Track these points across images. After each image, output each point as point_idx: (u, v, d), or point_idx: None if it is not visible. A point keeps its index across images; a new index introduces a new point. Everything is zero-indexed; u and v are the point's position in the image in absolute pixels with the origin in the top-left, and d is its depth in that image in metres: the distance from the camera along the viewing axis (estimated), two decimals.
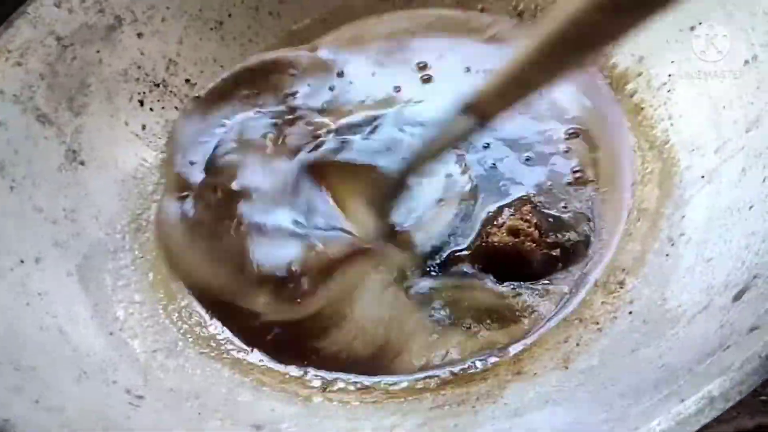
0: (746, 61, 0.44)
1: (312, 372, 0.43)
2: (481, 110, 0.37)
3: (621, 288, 0.43)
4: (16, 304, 0.41)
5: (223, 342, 0.46)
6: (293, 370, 0.44)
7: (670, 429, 0.25)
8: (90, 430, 0.33)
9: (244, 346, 0.46)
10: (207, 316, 0.47)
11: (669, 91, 0.50)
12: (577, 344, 0.40)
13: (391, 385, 0.42)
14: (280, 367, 0.44)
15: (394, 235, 0.47)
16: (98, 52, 0.55)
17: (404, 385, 0.42)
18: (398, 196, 0.47)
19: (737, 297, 0.33)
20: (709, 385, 0.25)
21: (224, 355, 0.45)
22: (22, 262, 0.44)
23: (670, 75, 0.51)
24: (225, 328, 0.47)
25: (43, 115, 0.51)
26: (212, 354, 0.45)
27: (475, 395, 0.39)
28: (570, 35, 0.30)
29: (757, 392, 0.87)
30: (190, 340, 0.46)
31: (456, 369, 0.41)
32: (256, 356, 0.45)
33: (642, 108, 0.52)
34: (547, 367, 0.40)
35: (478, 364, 0.41)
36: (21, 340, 0.38)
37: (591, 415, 0.31)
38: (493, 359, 0.41)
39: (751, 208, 0.38)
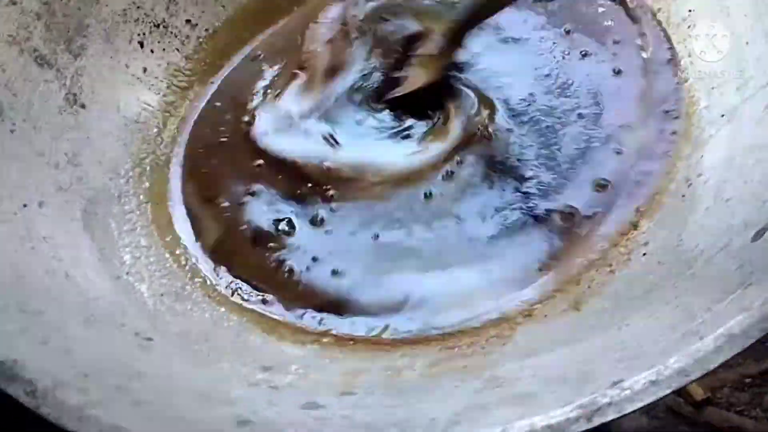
0: None
1: (319, 317, 0.43)
2: None
3: (635, 230, 0.42)
4: (21, 248, 0.41)
5: (230, 287, 0.46)
6: (301, 316, 0.43)
7: (688, 366, 0.24)
8: (99, 371, 0.33)
9: (252, 292, 0.45)
10: (213, 263, 0.47)
11: (689, 27, 0.49)
12: (589, 287, 0.40)
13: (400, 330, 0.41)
14: (288, 313, 0.44)
15: None
16: None
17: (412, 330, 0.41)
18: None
19: (757, 236, 0.32)
20: (729, 323, 0.25)
21: (232, 300, 0.45)
22: (25, 206, 0.43)
23: (690, 10, 0.49)
24: (231, 274, 0.46)
25: (42, 57, 0.50)
26: (219, 299, 0.45)
27: (484, 337, 0.39)
28: None
29: (763, 338, 0.87)
30: (198, 284, 0.46)
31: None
32: (264, 301, 0.45)
33: None
34: (558, 309, 0.39)
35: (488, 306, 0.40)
36: (27, 284, 0.38)
37: (604, 355, 0.30)
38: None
39: None
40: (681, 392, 0.80)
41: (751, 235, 0.32)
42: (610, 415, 0.24)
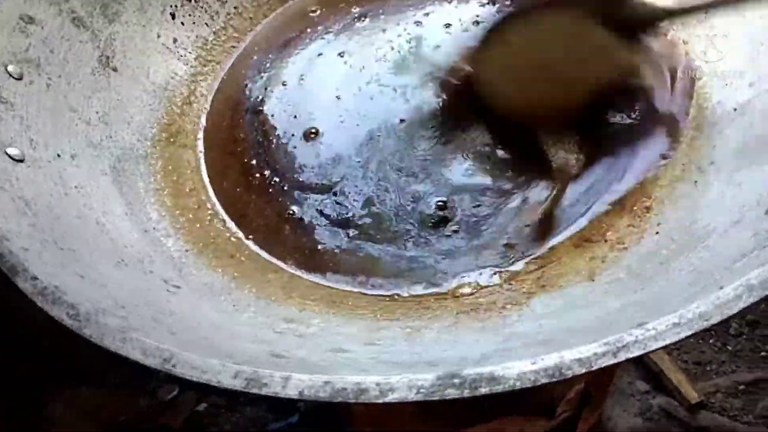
0: None
1: (337, 277, 0.44)
2: None
3: (647, 213, 0.43)
4: (55, 192, 0.42)
5: (251, 250, 0.47)
6: (321, 279, 0.45)
7: (709, 312, 0.26)
8: (134, 305, 0.34)
9: (272, 257, 0.46)
10: (235, 226, 0.48)
11: (707, 27, 0.51)
12: (603, 261, 0.41)
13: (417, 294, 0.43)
14: (308, 275, 0.45)
15: None
16: None
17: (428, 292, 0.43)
18: None
19: None
20: (748, 274, 0.26)
21: (253, 262, 0.46)
22: (59, 156, 0.45)
23: (706, 12, 0.51)
24: (253, 235, 0.48)
25: (78, 19, 0.51)
26: (242, 260, 0.46)
27: (500, 304, 0.40)
28: None
29: (758, 348, 0.88)
30: (221, 245, 0.47)
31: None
32: (284, 264, 0.46)
33: (676, 45, 0.52)
34: (572, 281, 0.41)
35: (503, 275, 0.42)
36: (61, 224, 0.39)
37: (623, 313, 0.32)
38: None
39: None
40: (675, 395, 0.82)
41: (765, 210, 0.34)
42: (636, 352, 0.25)
